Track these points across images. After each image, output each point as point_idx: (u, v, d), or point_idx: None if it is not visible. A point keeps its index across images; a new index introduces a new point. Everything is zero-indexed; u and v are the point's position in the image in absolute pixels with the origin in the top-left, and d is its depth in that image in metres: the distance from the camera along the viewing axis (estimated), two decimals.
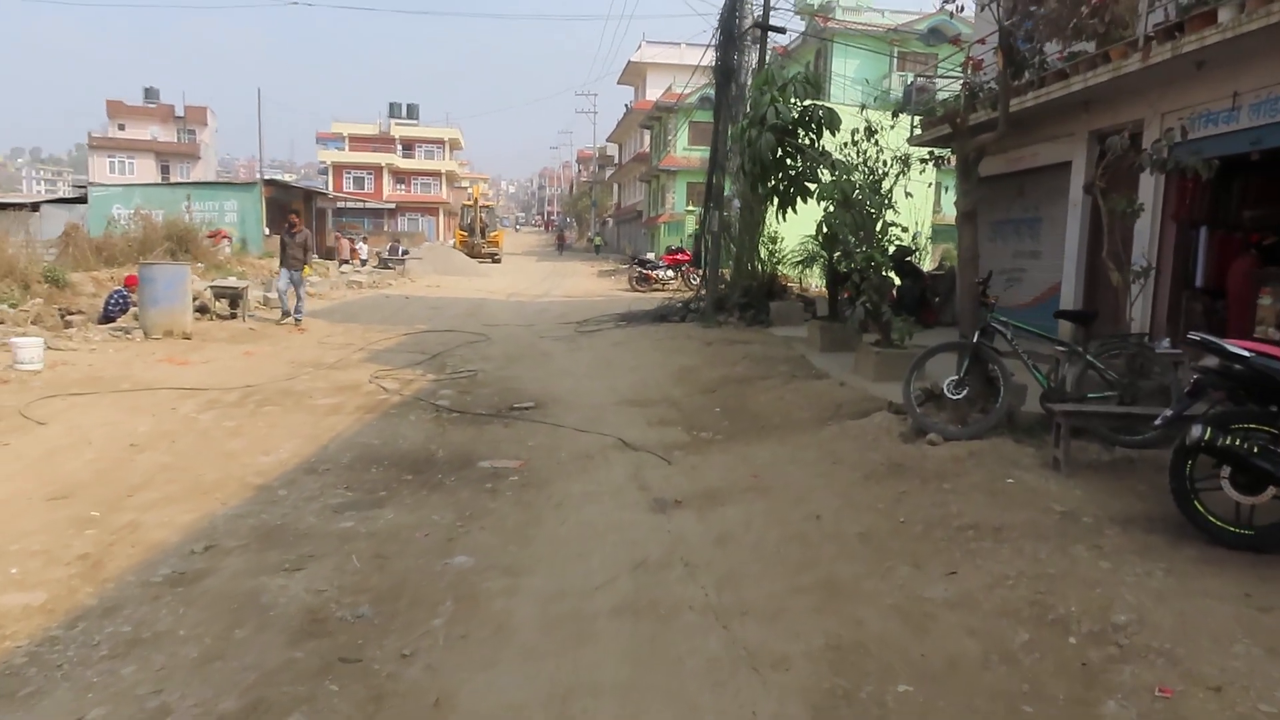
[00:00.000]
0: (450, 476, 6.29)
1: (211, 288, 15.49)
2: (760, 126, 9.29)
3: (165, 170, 69.46)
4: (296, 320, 15.12)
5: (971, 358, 6.98)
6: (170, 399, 8.68)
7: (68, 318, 14.29)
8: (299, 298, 15.25)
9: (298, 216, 15.88)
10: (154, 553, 4.69)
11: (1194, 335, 4.88)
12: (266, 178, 40.25)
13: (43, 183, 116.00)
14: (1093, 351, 6.91)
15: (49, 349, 10.86)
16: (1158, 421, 5.06)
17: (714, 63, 15.69)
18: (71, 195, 37.64)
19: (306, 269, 15.45)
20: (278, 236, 22.77)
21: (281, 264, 15.50)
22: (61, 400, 8.36)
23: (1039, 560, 4.35)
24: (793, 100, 9.60)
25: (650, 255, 33.68)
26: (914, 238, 13.23)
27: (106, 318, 14.56)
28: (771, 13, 14.79)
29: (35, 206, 32.40)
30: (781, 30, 15.16)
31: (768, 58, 17.65)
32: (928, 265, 17.74)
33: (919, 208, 13.42)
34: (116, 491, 5.71)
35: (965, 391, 6.96)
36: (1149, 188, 9.48)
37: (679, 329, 14.94)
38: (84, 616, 3.95)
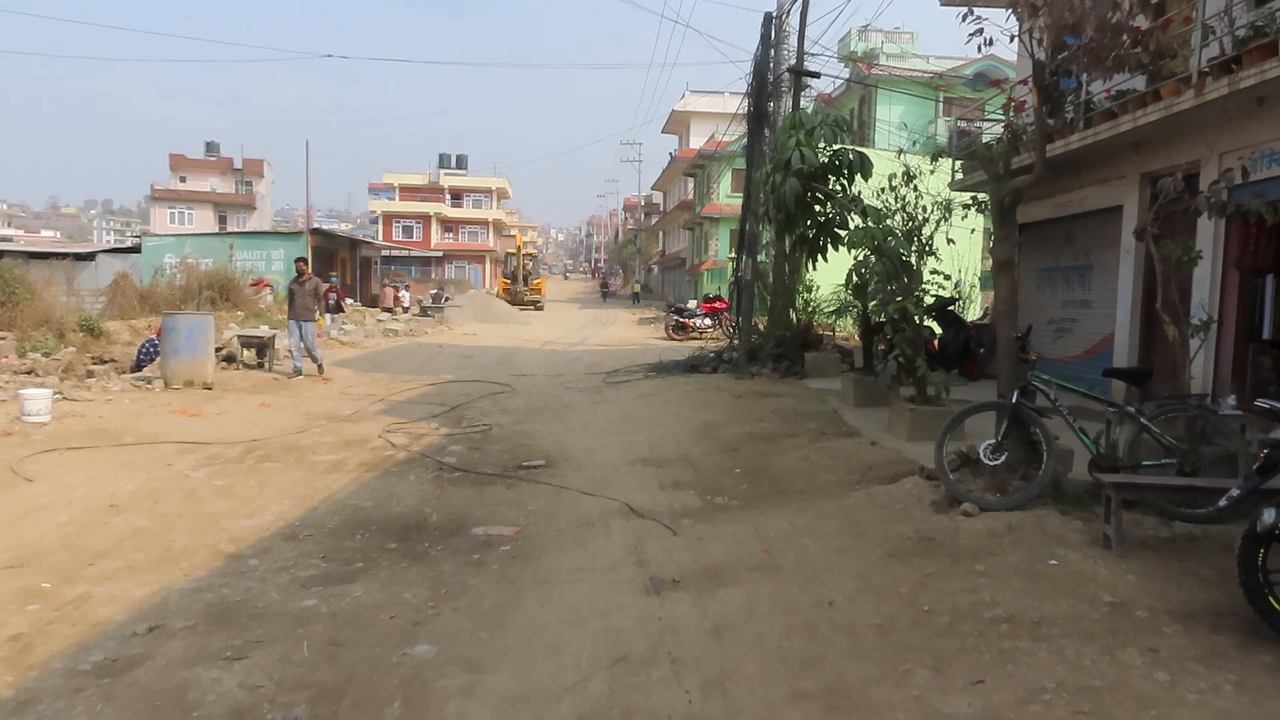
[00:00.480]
0: (437, 545, 5.83)
1: (239, 337, 15.41)
2: (785, 171, 8.84)
3: (223, 220, 71.55)
4: (319, 369, 14.63)
5: (1011, 419, 6.36)
6: (169, 454, 8.41)
7: (96, 367, 14.31)
8: (312, 348, 14.56)
9: (305, 263, 15.12)
10: (93, 633, 4.28)
11: (1263, 403, 4.24)
12: (314, 227, 41.05)
13: (112, 233, 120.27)
14: (1148, 413, 6.23)
15: (64, 399, 10.77)
16: (1223, 502, 4.40)
17: (747, 109, 15.37)
18: (129, 245, 38.67)
19: (321, 321, 14.97)
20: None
21: (290, 315, 14.64)
22: (58, 455, 8.14)
23: (1083, 668, 3.71)
24: (821, 144, 9.15)
25: (692, 303, 33.28)
26: (956, 286, 12.63)
27: (138, 366, 14.54)
28: (810, 59, 14.47)
29: (92, 256, 33.39)
30: (816, 75, 14.79)
31: (811, 105, 17.31)
32: (974, 314, 17.03)
33: (963, 255, 12.85)
34: (78, 559, 5.35)
35: (1004, 456, 6.32)
36: (1207, 233, 8.79)
37: (709, 380, 14.42)
38: None
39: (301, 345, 14.44)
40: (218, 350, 14.52)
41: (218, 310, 22.09)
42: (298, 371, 14.31)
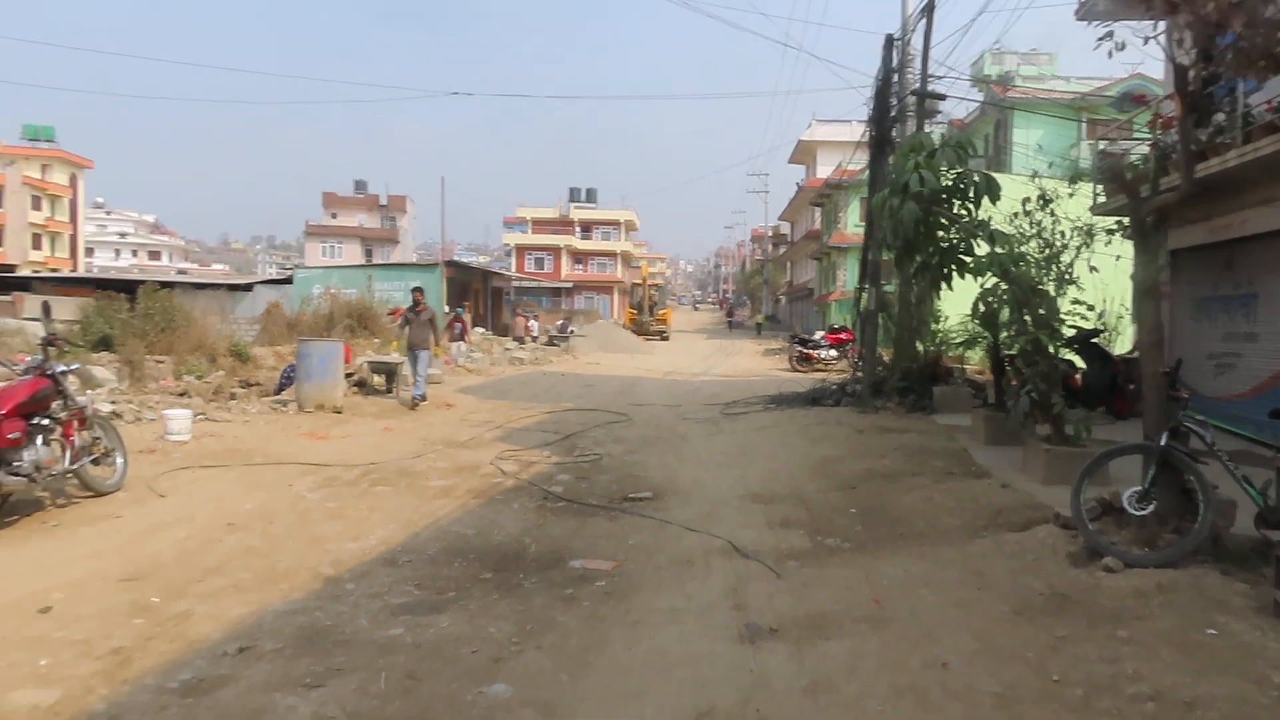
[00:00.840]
0: (532, 578, 5.70)
1: (369, 363, 16.00)
2: (903, 195, 8.38)
3: (369, 253, 75.66)
4: (416, 401, 14.20)
5: (1160, 464, 5.69)
6: (291, 475, 8.70)
7: (240, 390, 15.14)
8: (417, 376, 14.42)
9: (421, 293, 15.28)
10: (187, 651, 4.35)
11: None
12: (449, 259, 42.74)
13: (274, 266, 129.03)
14: None
15: (205, 420, 11.39)
16: None
17: (868, 135, 14.87)
18: (283, 277, 41.29)
19: (437, 350, 15.02)
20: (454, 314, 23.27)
21: (407, 344, 14.64)
22: (192, 472, 8.55)
23: None
24: (944, 167, 8.64)
25: (818, 334, 32.53)
26: (1100, 316, 11.69)
27: (280, 389, 15.29)
28: (935, 81, 13.86)
29: (250, 287, 35.94)
30: (941, 97, 14.13)
31: (941, 130, 16.63)
32: (1122, 347, 15.78)
33: (1108, 283, 11.89)
34: (189, 575, 5.52)
35: (1153, 506, 5.65)
36: None
37: (831, 413, 13.88)
38: None
39: (416, 370, 14.43)
40: (349, 375, 15.10)
41: (356, 338, 23.20)
42: (422, 398, 14.47)
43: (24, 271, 50.25)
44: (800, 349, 26.46)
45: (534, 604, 5.17)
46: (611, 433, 12.40)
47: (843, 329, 27.03)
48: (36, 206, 65.64)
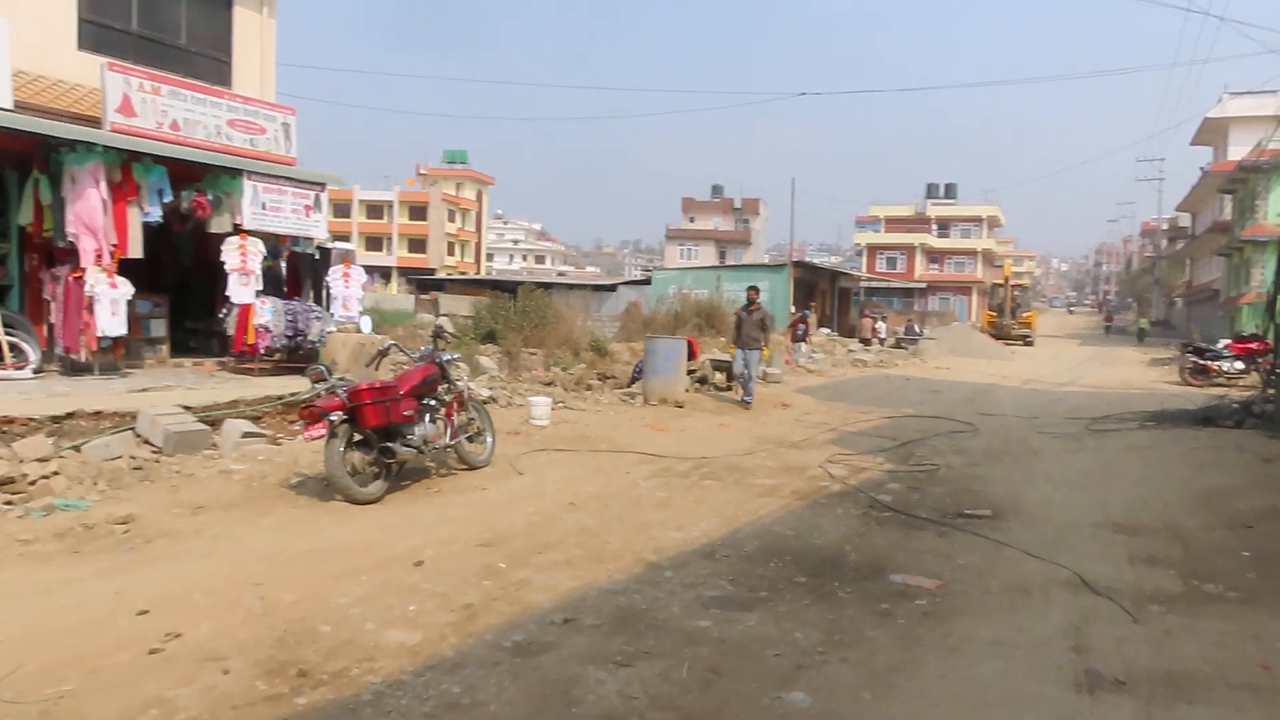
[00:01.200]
0: (846, 587, 5.52)
1: (711, 360, 16.59)
2: None
3: (722, 255, 78.65)
4: (745, 403, 14.31)
5: None
6: (629, 463, 9.30)
7: (596, 382, 16.53)
8: (749, 378, 14.43)
9: (756, 292, 15.20)
10: (522, 615, 4.82)
11: None
12: (798, 260, 43.03)
13: (638, 268, 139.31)
14: None
15: (564, 407, 12.58)
16: None
17: None
18: (643, 278, 44.54)
19: (765, 351, 14.87)
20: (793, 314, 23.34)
21: (737, 344, 14.68)
22: (546, 454, 9.49)
23: None
24: None
25: (1222, 343, 27.75)
26: None
27: (631, 382, 16.48)
28: None
29: (614, 288, 39.32)
30: None
31: None
32: None
33: None
34: (532, 546, 6.12)
35: None
36: None
37: (1227, 437, 11.74)
38: (435, 667, 4.15)
39: (745, 372, 14.51)
40: (691, 372, 15.80)
41: (703, 336, 24.27)
42: (747, 399, 14.53)
43: (440, 275, 59.55)
44: (1195, 359, 22.69)
45: (845, 614, 5.00)
46: (953, 443, 11.62)
47: (1253, 337, 22.76)
48: (451, 219, 77.50)
